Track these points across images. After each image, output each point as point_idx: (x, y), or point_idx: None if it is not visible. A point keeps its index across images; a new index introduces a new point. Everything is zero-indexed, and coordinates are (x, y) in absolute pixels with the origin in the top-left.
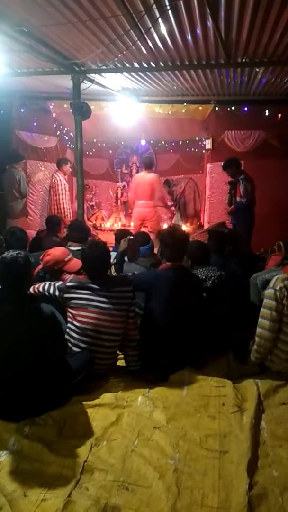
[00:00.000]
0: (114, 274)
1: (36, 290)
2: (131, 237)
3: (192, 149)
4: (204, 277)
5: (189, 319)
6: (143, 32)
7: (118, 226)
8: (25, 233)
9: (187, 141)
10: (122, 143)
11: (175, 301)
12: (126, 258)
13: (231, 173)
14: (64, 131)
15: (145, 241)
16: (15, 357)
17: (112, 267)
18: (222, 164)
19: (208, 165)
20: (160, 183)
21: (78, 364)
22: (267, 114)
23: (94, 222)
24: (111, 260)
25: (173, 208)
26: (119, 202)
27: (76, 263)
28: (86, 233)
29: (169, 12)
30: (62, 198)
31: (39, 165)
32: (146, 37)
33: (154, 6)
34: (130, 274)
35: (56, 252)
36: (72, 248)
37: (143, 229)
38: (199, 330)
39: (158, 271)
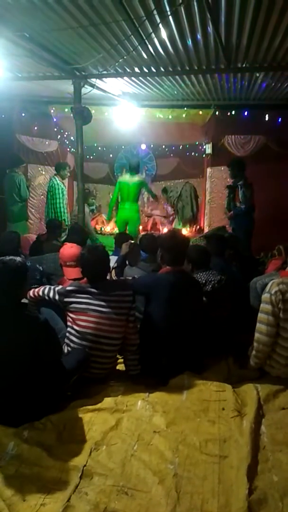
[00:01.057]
0: (114, 278)
1: (36, 294)
2: (133, 241)
3: (192, 154)
4: (204, 281)
5: (189, 323)
6: (144, 38)
7: (118, 230)
8: (16, 234)
9: (187, 146)
10: (123, 147)
11: (175, 305)
12: (127, 262)
13: (233, 174)
14: (65, 135)
15: (152, 246)
16: (11, 365)
17: (113, 271)
18: (229, 162)
19: (208, 170)
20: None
21: (74, 363)
22: (267, 118)
23: (95, 226)
24: (112, 264)
25: (172, 213)
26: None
27: (71, 273)
28: (85, 237)
29: (170, 17)
30: (59, 202)
31: (39, 169)
32: (147, 42)
33: (155, 12)
34: (130, 278)
35: (66, 250)
36: None
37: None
38: (199, 334)
39: (158, 275)
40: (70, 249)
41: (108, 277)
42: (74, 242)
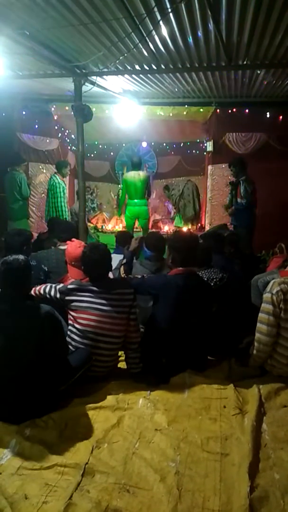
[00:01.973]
0: (123, 275)
1: (37, 292)
2: (142, 236)
3: (193, 151)
4: (206, 279)
5: (194, 325)
6: (145, 35)
7: (119, 228)
8: (27, 231)
9: (188, 143)
10: (124, 145)
11: (182, 308)
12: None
13: (235, 172)
14: (66, 134)
15: (158, 244)
16: (16, 356)
17: (121, 268)
18: (230, 161)
19: (209, 167)
20: (150, 180)
21: (78, 361)
22: (268, 116)
23: (96, 224)
24: (118, 262)
25: (173, 211)
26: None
27: (75, 273)
28: (75, 234)
29: (170, 14)
30: (60, 201)
31: (40, 167)
32: (148, 40)
33: (156, 9)
34: (139, 276)
35: (73, 250)
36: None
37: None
38: (203, 334)
39: (168, 277)
40: (77, 249)
41: (116, 274)
42: (65, 240)
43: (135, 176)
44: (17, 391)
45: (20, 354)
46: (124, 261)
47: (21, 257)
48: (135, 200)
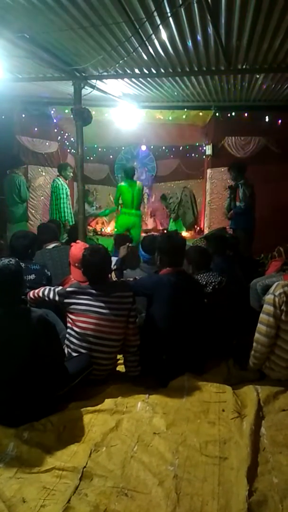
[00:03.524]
0: (115, 279)
1: (36, 295)
2: (130, 244)
3: (193, 155)
4: (204, 282)
5: (190, 324)
6: (144, 39)
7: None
8: (31, 233)
9: (188, 147)
10: (123, 148)
11: (176, 305)
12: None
13: (234, 176)
14: (65, 137)
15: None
16: (11, 359)
17: (113, 273)
18: (230, 165)
19: (208, 171)
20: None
21: (77, 367)
22: (267, 120)
23: (95, 226)
24: (112, 266)
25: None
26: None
27: (78, 274)
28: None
29: (170, 19)
30: (63, 202)
31: (40, 170)
32: (147, 44)
33: (155, 13)
34: (131, 279)
35: (78, 252)
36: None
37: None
38: (200, 335)
39: (159, 275)
40: (81, 251)
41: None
42: (47, 241)
43: (129, 186)
44: (14, 394)
45: (15, 358)
46: (115, 266)
47: (12, 261)
48: (132, 211)
